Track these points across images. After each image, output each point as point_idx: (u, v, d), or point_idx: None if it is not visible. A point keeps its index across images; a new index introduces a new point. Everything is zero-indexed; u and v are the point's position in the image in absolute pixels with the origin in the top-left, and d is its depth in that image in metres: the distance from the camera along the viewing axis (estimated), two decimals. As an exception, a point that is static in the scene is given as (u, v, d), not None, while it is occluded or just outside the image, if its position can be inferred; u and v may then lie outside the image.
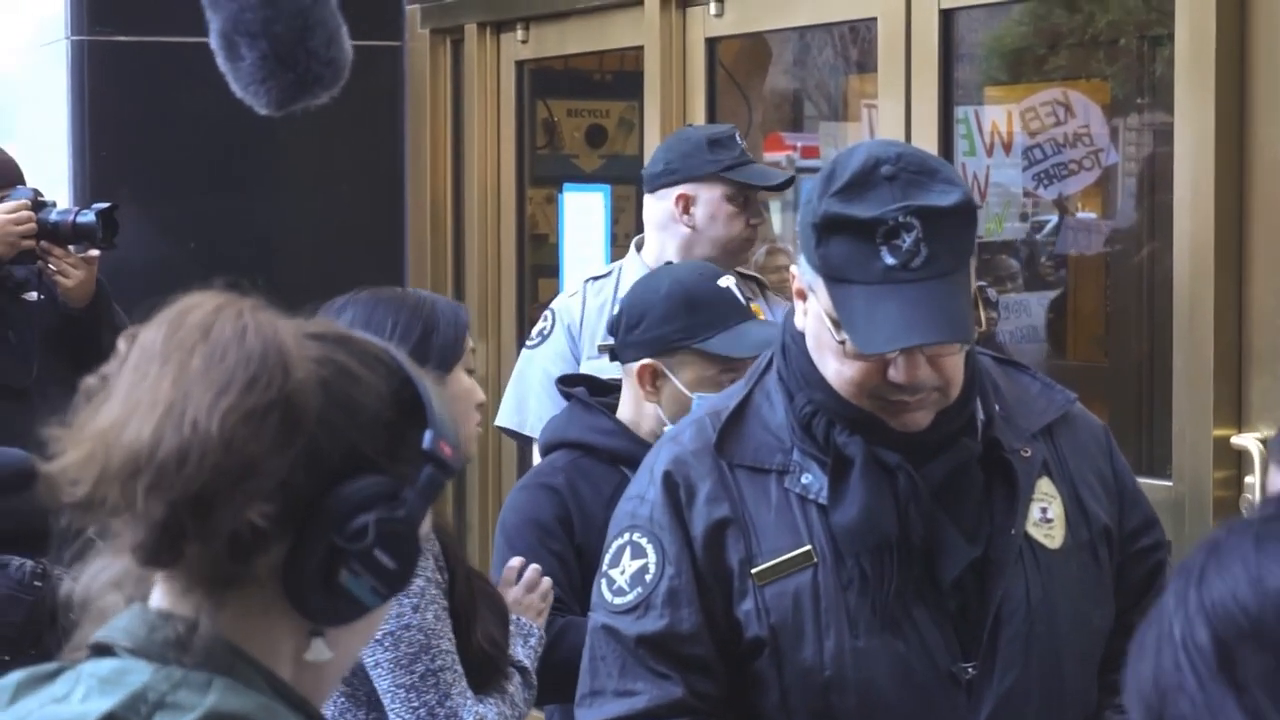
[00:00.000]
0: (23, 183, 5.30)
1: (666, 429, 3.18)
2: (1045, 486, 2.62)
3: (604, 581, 2.63)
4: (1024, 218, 6.32)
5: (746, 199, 4.49)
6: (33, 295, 5.15)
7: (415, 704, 2.96)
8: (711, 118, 5.83)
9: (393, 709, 2.97)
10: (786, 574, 2.52)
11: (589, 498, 3.47)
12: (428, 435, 1.64)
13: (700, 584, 2.55)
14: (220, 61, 1.97)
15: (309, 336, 1.63)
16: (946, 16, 5.04)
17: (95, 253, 5.11)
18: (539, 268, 6.80)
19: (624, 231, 6.12)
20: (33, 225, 5.06)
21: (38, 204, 5.14)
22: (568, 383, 3.76)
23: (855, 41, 6.90)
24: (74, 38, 6.84)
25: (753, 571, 2.53)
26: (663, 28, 5.93)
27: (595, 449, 3.53)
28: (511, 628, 3.18)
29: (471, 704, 3.00)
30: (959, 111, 5.62)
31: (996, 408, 2.62)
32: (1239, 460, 4.20)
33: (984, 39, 6.07)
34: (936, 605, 2.53)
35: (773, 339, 2.73)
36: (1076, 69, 6.15)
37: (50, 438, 1.60)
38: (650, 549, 2.57)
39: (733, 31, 5.95)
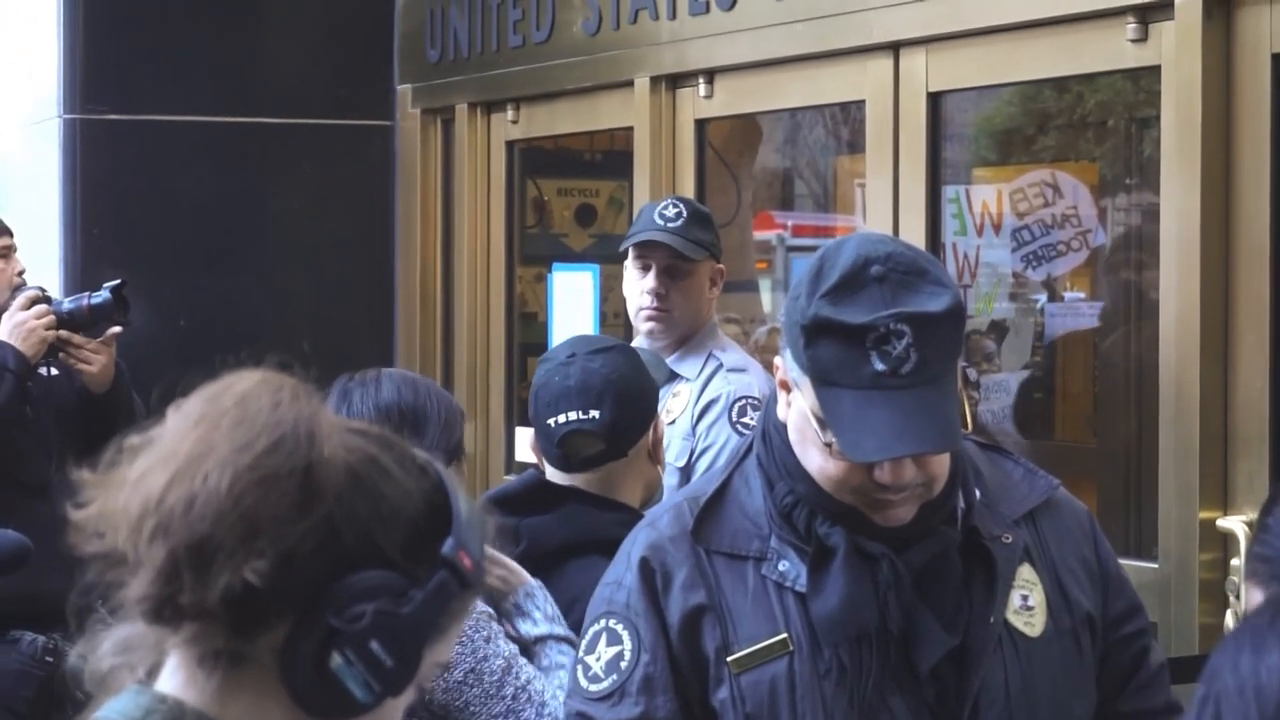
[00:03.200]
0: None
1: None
2: (1026, 573, 2.59)
3: (579, 668, 2.60)
4: (1013, 298, 6.32)
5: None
6: (44, 370, 5.20)
7: None
8: (701, 197, 5.84)
9: None
10: (762, 662, 2.49)
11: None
12: (448, 542, 1.64)
13: (676, 671, 2.53)
14: None
15: (351, 430, 1.65)
16: (934, 99, 5.07)
17: (116, 330, 5.15)
18: (528, 346, 6.80)
19: (613, 310, 6.13)
20: (52, 318, 5.12)
21: (44, 299, 5.19)
22: (558, 494, 3.46)
23: (846, 121, 6.92)
24: (66, 116, 6.87)
25: (729, 659, 2.50)
26: (652, 108, 5.95)
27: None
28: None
29: (554, 688, 3.04)
30: (950, 191, 5.63)
31: (977, 494, 2.60)
32: (1225, 543, 4.20)
33: (973, 120, 6.08)
34: (914, 694, 2.50)
35: None
36: (1065, 150, 6.17)
37: (81, 485, 1.63)
38: (626, 635, 2.55)
39: (722, 113, 5.98)
